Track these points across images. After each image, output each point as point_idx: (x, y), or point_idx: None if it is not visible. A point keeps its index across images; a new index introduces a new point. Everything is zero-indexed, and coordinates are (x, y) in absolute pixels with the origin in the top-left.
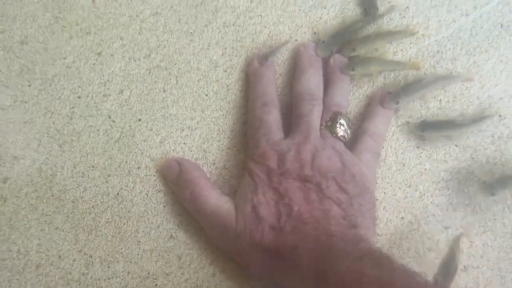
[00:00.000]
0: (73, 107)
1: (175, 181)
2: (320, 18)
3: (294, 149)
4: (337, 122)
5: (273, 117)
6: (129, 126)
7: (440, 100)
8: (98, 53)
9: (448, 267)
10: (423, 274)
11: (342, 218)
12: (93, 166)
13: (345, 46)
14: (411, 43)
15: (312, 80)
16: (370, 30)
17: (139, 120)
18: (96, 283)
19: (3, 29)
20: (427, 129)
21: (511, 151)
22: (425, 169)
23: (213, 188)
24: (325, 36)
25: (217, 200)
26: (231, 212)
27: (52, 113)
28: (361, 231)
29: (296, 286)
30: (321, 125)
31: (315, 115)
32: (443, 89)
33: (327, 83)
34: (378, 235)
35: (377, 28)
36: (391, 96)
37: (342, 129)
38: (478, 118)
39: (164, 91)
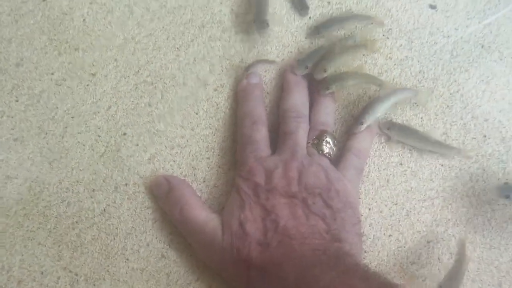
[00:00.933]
0: (66, 127)
1: (165, 198)
2: (306, 38)
3: (282, 166)
4: (323, 140)
5: (261, 135)
6: (114, 140)
7: (422, 118)
8: (92, 74)
9: (455, 275)
10: None
11: (325, 232)
12: (77, 181)
13: (315, 68)
14: (395, 64)
15: (298, 99)
16: (335, 47)
17: (124, 134)
18: None
19: (0, 52)
20: (392, 129)
21: (492, 168)
22: (411, 187)
23: (202, 205)
24: (302, 54)
25: (205, 218)
26: (217, 228)
27: (46, 134)
28: (345, 246)
29: None
30: (308, 143)
31: (301, 133)
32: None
33: (313, 102)
34: (365, 252)
35: (341, 44)
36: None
37: (328, 147)
38: (443, 145)
39: (149, 105)
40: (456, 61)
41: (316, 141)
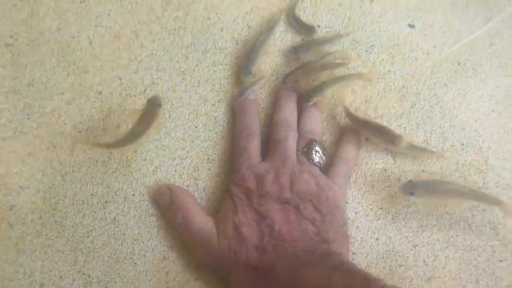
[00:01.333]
0: (74, 142)
1: (167, 206)
2: (298, 58)
3: (273, 172)
4: (313, 149)
5: (254, 146)
6: (126, 157)
7: (405, 128)
8: (99, 92)
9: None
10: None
11: (315, 234)
12: (92, 194)
13: (287, 76)
14: (379, 78)
15: (288, 111)
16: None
17: (135, 152)
18: None
19: (16, 76)
20: (367, 128)
21: (473, 177)
22: (395, 192)
23: (201, 211)
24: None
25: (201, 221)
26: (213, 231)
27: (55, 147)
28: (333, 246)
29: None
30: (298, 151)
31: (290, 141)
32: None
33: (301, 114)
34: (353, 253)
35: (317, 60)
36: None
37: (317, 156)
38: (417, 149)
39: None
40: (436, 77)
41: (305, 150)
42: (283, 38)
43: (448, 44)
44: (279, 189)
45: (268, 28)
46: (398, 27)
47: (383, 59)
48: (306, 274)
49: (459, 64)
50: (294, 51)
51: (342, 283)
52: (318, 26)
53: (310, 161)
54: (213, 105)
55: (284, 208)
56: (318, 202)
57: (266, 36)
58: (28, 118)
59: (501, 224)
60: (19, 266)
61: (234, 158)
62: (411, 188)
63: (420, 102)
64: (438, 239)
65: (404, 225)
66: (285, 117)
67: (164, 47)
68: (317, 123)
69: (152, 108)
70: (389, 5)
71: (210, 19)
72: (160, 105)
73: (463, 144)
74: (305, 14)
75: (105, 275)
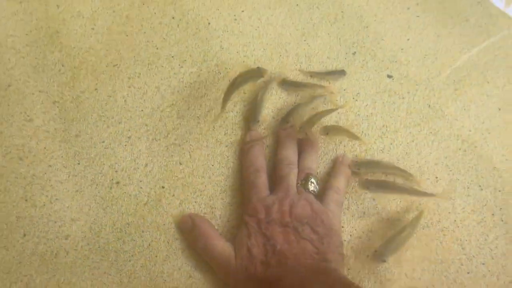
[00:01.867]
0: (112, 179)
1: (190, 233)
2: (295, 101)
3: (277, 203)
4: (309, 180)
5: (262, 180)
6: (154, 192)
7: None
8: (128, 137)
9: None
10: None
11: (315, 254)
12: (128, 224)
13: (281, 121)
14: (362, 119)
15: (289, 150)
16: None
17: (163, 187)
18: None
19: (65, 128)
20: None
21: (445, 204)
22: (383, 218)
23: (219, 237)
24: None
25: (222, 247)
26: (231, 254)
27: (97, 185)
28: (332, 264)
29: None
30: (297, 183)
31: (292, 176)
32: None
33: (300, 152)
34: (348, 269)
35: (307, 103)
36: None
37: (312, 186)
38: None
39: (180, 163)
40: (410, 117)
41: (303, 182)
42: (277, 90)
43: (419, 90)
44: (281, 215)
45: (264, 84)
46: (379, 77)
47: (367, 105)
48: None
49: (429, 106)
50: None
51: None
52: (311, 76)
53: (306, 190)
54: (226, 146)
55: (284, 230)
56: (314, 224)
57: (264, 91)
58: (78, 164)
59: (466, 240)
60: (73, 286)
61: (244, 191)
62: (368, 184)
63: (398, 139)
64: (416, 256)
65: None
66: (287, 156)
67: (183, 98)
68: (313, 160)
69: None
70: (368, 57)
71: (220, 73)
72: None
73: (436, 177)
74: (301, 66)
75: None
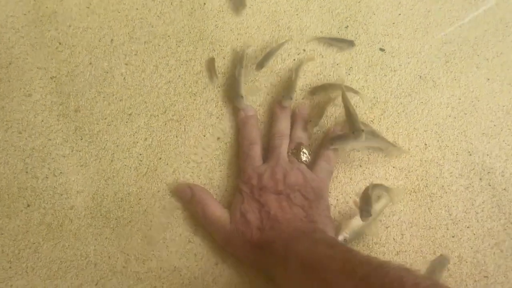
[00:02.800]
0: (113, 154)
1: (189, 201)
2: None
3: (269, 171)
4: (301, 151)
5: (256, 152)
6: (153, 163)
7: (377, 129)
8: (129, 114)
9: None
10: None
11: (304, 217)
12: (128, 194)
13: (283, 96)
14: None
15: (282, 124)
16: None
17: (160, 159)
18: (136, 275)
19: (62, 102)
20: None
21: (432, 170)
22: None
23: (217, 204)
24: (284, 90)
25: (219, 213)
26: (227, 219)
27: (100, 159)
28: (319, 225)
29: (273, 269)
30: (288, 152)
31: (283, 146)
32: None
33: (293, 123)
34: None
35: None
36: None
37: (304, 156)
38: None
39: (176, 137)
40: (401, 88)
41: (294, 151)
42: (275, 60)
43: (411, 62)
44: (275, 183)
45: (238, 59)
46: (371, 51)
47: (359, 78)
48: (296, 247)
49: (420, 77)
50: (261, 65)
51: (325, 253)
52: (304, 50)
53: (299, 160)
54: (217, 118)
55: (278, 198)
56: (305, 191)
57: (240, 66)
58: (81, 139)
59: (453, 206)
60: (77, 250)
61: (240, 162)
62: (334, 140)
63: (388, 109)
64: (404, 221)
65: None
66: (280, 129)
67: (179, 75)
68: (305, 133)
69: None
70: (361, 31)
71: (214, 50)
72: None
73: (425, 144)
74: (293, 42)
75: (141, 254)
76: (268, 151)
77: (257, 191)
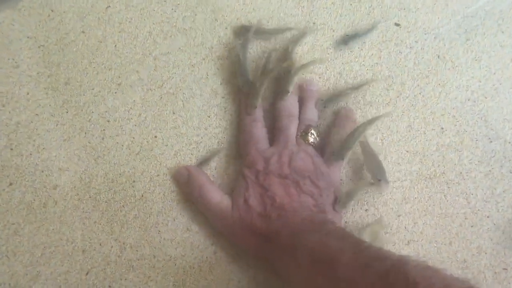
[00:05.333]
0: (104, 130)
1: (186, 184)
2: (296, 53)
3: (277, 155)
4: (309, 132)
5: (260, 131)
6: (147, 142)
7: (391, 114)
8: (118, 84)
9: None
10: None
11: (314, 206)
12: (120, 174)
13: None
14: (367, 69)
15: (290, 101)
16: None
17: (155, 137)
18: (129, 263)
19: (50, 74)
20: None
21: (450, 155)
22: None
23: (216, 189)
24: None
25: (218, 198)
26: (228, 206)
27: (86, 134)
28: (329, 215)
29: (279, 260)
30: (296, 135)
31: (292, 129)
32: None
33: (301, 105)
34: (345, 222)
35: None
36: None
37: (312, 138)
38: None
39: (173, 113)
40: (418, 68)
41: (303, 134)
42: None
43: (428, 39)
44: (280, 166)
45: (242, 43)
46: (386, 25)
47: (372, 54)
48: (305, 239)
49: (438, 57)
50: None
51: (333, 245)
52: (314, 23)
53: (306, 142)
54: (223, 97)
55: (283, 182)
56: (315, 178)
57: (244, 50)
58: (67, 112)
59: (472, 194)
60: (62, 235)
61: (242, 143)
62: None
63: (405, 91)
64: (417, 209)
65: (390, 198)
66: (286, 106)
67: (179, 48)
68: (315, 113)
69: None
70: (375, 3)
71: (217, 20)
72: None
73: (442, 128)
74: (302, 14)
75: (136, 242)
76: (275, 132)
77: (262, 176)
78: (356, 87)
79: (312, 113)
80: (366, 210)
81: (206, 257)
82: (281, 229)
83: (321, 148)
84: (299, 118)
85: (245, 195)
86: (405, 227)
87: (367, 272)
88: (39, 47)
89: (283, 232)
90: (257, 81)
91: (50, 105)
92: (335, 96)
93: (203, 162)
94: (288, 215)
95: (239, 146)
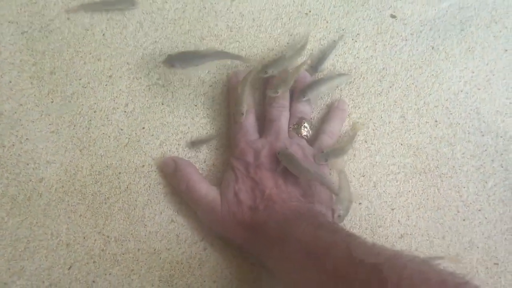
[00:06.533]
0: (90, 120)
1: (172, 176)
2: (287, 43)
3: (268, 147)
4: (302, 125)
5: (250, 122)
6: (135, 133)
7: (383, 104)
8: (109, 76)
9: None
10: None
11: (301, 196)
12: (107, 166)
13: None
14: (362, 62)
15: (282, 94)
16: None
17: (143, 128)
18: (113, 257)
19: (35, 62)
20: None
21: (443, 149)
22: (376, 162)
23: (203, 180)
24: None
25: (206, 190)
26: (217, 198)
27: (74, 126)
28: (317, 207)
29: (267, 252)
30: (289, 127)
31: (283, 120)
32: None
33: (294, 96)
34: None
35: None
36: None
37: (305, 130)
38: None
39: (162, 104)
40: (412, 59)
41: (296, 126)
42: (273, 25)
43: (424, 31)
44: (272, 160)
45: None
46: (381, 17)
47: (367, 46)
48: (293, 230)
49: (432, 48)
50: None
51: (325, 238)
52: (306, 14)
53: (299, 135)
54: (210, 86)
55: (274, 175)
56: None
57: (244, 83)
58: (52, 102)
59: (464, 188)
60: (46, 229)
61: (232, 134)
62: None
63: (397, 82)
64: (411, 203)
65: (384, 191)
66: (278, 98)
67: (166, 36)
68: (307, 106)
69: None
70: None
71: (205, 8)
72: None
73: (436, 120)
74: (294, 4)
75: (121, 235)
76: (266, 123)
77: (252, 169)
78: (332, 77)
79: (304, 106)
80: (359, 203)
81: (195, 253)
82: (269, 220)
83: (313, 139)
84: (291, 111)
85: (235, 188)
86: (399, 221)
87: (361, 266)
88: (22, 33)
89: (271, 222)
90: (239, 88)
91: (35, 95)
92: (315, 84)
93: (197, 142)
94: (276, 205)
95: (230, 138)
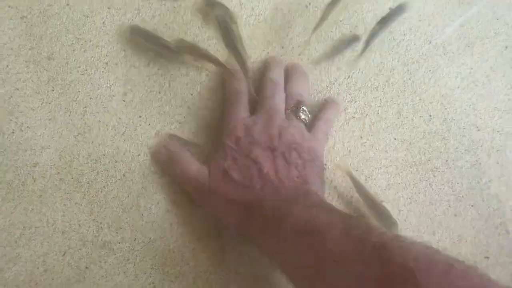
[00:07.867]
0: (85, 107)
1: (165, 162)
2: (287, 35)
3: (261, 124)
4: (300, 108)
5: (243, 103)
6: (132, 122)
7: (380, 100)
8: (106, 63)
9: None
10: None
11: (297, 177)
12: (104, 155)
13: None
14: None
15: (276, 73)
16: None
17: (140, 117)
18: (107, 245)
19: (31, 47)
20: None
21: (436, 143)
22: (369, 157)
23: (194, 161)
24: None
25: (196, 169)
26: (206, 175)
27: (70, 112)
28: (312, 187)
29: (262, 233)
30: (287, 109)
31: (277, 98)
32: None
33: (289, 78)
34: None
35: None
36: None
37: (304, 114)
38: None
39: (159, 93)
40: (409, 54)
41: (294, 108)
42: (273, 16)
43: (422, 26)
44: (269, 139)
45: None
46: (380, 9)
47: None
48: (289, 209)
49: (430, 43)
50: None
51: (321, 217)
52: (306, 6)
53: (297, 117)
54: (207, 75)
55: (272, 155)
56: (301, 151)
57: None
58: (53, 90)
59: (458, 183)
60: (42, 216)
61: (226, 119)
62: None
63: (394, 76)
64: (402, 196)
65: (374, 185)
66: (272, 78)
67: (165, 24)
68: (304, 88)
69: None
70: None
71: None
72: None
73: (430, 115)
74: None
75: (115, 222)
76: (259, 100)
77: (246, 146)
78: None
79: (301, 88)
80: (351, 196)
81: (189, 243)
82: (264, 200)
83: (309, 125)
84: (286, 91)
85: (223, 165)
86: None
87: (361, 245)
88: (21, 18)
89: (267, 202)
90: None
91: (32, 81)
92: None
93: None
94: (273, 186)
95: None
